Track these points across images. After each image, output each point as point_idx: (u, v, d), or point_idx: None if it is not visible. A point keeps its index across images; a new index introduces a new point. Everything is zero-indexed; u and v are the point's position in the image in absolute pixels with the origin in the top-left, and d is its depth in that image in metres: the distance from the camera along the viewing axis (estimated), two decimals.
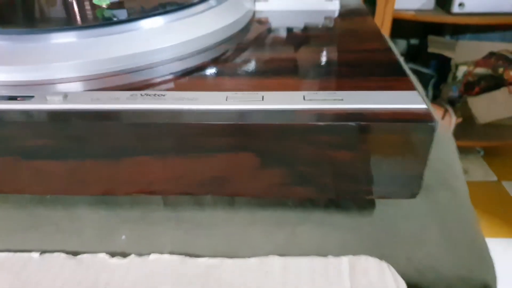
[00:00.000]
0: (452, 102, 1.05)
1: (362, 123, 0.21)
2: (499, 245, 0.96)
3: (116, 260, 0.23)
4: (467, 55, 1.09)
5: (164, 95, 0.23)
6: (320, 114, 0.21)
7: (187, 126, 0.21)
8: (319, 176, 0.23)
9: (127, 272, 0.23)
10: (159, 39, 0.28)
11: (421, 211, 0.26)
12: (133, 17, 0.29)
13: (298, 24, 0.35)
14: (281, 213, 0.26)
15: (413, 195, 0.23)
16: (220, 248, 0.24)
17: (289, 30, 0.34)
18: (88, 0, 0.34)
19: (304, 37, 0.32)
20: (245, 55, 0.29)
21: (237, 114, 0.22)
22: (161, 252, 0.24)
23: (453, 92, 1.06)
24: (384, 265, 0.23)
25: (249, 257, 0.23)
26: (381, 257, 0.23)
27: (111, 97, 0.23)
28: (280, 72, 0.26)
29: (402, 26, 1.04)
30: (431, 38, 1.12)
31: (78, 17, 0.32)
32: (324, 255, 0.23)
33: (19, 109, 0.22)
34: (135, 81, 0.26)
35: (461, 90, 1.05)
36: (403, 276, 0.22)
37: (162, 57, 0.27)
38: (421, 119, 0.21)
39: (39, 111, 0.22)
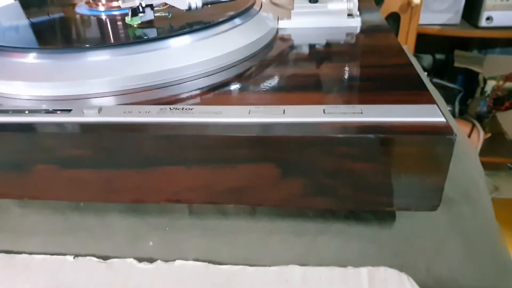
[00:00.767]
0: (480, 118, 1.03)
1: (380, 135, 0.21)
2: None
3: (144, 265, 0.24)
4: (495, 69, 1.06)
5: (191, 109, 0.25)
6: (340, 127, 0.22)
7: (212, 138, 0.23)
8: (338, 187, 0.23)
9: (154, 276, 0.24)
10: (185, 57, 0.29)
11: (442, 223, 0.26)
12: (162, 36, 0.30)
13: (319, 41, 0.36)
14: (301, 223, 0.26)
15: (433, 208, 0.24)
16: (241, 256, 0.25)
17: (311, 47, 0.35)
18: (121, 21, 0.36)
19: (325, 53, 0.33)
20: (267, 71, 0.30)
21: (259, 127, 0.23)
22: (186, 259, 0.25)
23: (481, 107, 1.04)
24: (403, 276, 0.23)
25: (269, 265, 0.24)
26: (401, 268, 0.23)
27: (142, 110, 0.25)
28: (301, 87, 0.27)
29: (428, 41, 1.04)
30: (457, 52, 1.11)
31: (111, 36, 0.34)
32: (344, 265, 0.24)
33: (58, 121, 0.24)
34: (164, 96, 0.27)
35: (490, 105, 1.03)
36: (423, 287, 0.23)
37: (189, 74, 0.29)
38: (440, 132, 0.21)
39: (76, 124, 0.24)
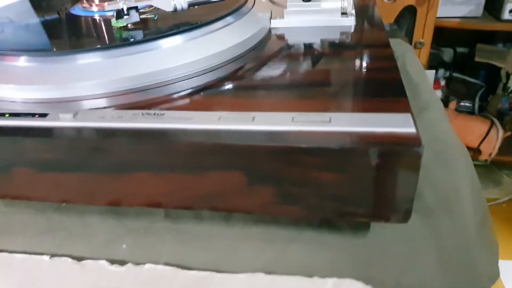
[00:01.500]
0: (500, 115, 0.98)
1: (344, 146, 0.21)
2: None
3: (115, 268, 0.25)
4: None
5: (163, 114, 0.25)
6: (305, 136, 0.22)
7: (179, 145, 0.23)
8: (307, 197, 0.23)
9: (123, 279, 0.24)
10: (166, 60, 0.29)
11: (418, 234, 0.25)
12: (147, 38, 0.30)
13: (309, 41, 0.35)
14: (274, 230, 0.26)
15: (404, 220, 0.23)
16: (211, 261, 0.25)
17: (298, 48, 0.34)
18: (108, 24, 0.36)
19: (311, 55, 0.32)
20: (247, 75, 0.30)
21: (225, 134, 0.23)
22: (157, 262, 0.25)
23: (502, 104, 0.99)
24: None
25: (237, 272, 0.24)
26: (369, 279, 0.23)
27: (115, 115, 0.25)
28: (276, 92, 0.27)
29: (449, 34, 1.00)
30: (479, 46, 1.06)
31: (97, 39, 0.34)
32: (312, 274, 0.23)
33: (34, 126, 0.25)
34: (143, 100, 0.27)
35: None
36: None
37: (168, 77, 0.29)
38: (406, 144, 0.20)
39: (51, 129, 0.25)
